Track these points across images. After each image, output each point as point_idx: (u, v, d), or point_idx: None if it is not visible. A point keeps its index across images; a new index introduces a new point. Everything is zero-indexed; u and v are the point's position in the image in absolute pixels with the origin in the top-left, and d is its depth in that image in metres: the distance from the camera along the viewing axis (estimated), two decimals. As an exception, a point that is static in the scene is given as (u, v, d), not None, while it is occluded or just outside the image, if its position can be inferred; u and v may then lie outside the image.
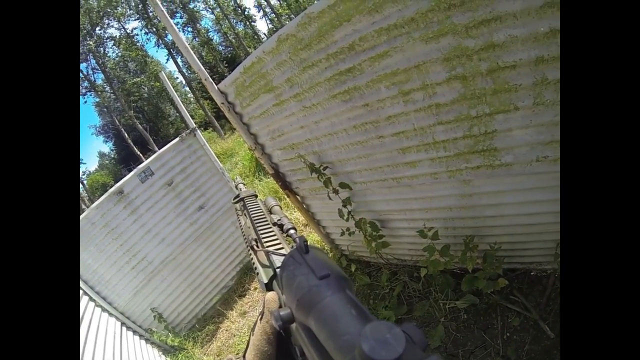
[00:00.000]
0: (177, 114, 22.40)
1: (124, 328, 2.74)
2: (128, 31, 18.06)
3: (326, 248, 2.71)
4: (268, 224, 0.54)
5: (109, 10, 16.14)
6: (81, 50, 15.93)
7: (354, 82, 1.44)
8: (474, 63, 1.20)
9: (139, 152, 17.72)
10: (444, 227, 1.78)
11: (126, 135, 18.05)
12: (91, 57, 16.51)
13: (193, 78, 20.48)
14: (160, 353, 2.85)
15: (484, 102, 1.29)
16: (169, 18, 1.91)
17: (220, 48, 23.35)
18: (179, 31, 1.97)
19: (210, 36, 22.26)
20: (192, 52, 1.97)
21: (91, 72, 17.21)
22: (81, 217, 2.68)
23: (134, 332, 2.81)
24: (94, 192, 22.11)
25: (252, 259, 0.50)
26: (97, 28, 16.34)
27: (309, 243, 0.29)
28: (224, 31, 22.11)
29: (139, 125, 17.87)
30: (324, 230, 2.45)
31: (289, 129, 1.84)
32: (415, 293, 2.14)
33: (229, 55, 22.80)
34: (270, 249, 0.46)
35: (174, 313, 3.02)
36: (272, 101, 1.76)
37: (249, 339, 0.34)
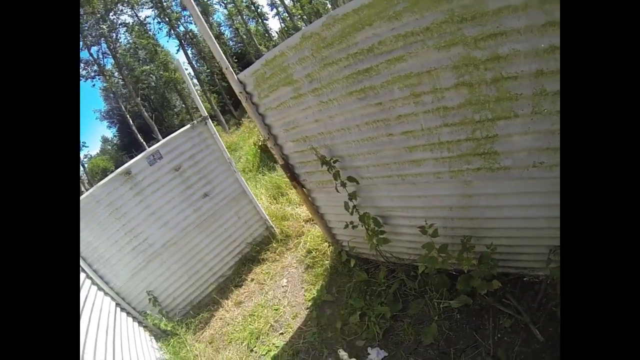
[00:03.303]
0: (183, 105, 23.10)
1: (118, 309, 2.83)
2: (141, 19, 18.69)
3: (327, 242, 2.86)
4: None
5: (123, -4, 16.65)
6: (93, 34, 16.48)
7: (370, 81, 1.61)
8: (480, 72, 1.38)
9: (142, 140, 18.11)
10: (443, 226, 1.93)
11: (131, 121, 18.41)
12: (103, 41, 16.99)
13: (201, 71, 21.28)
14: (152, 337, 2.94)
15: (487, 108, 1.46)
16: (194, 4, 2.07)
17: (231, 43, 24.22)
18: (197, 21, 2.11)
19: (222, 31, 23.15)
20: (214, 40, 2.15)
21: (101, 57, 17.72)
22: (86, 194, 2.80)
23: (128, 313, 2.91)
24: (94, 176, 22.72)
25: None
26: (111, 13, 16.80)
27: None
28: (236, 27, 23.02)
29: (145, 113, 18.28)
30: (327, 224, 2.60)
31: (304, 122, 2.00)
32: (411, 291, 2.27)
33: (239, 51, 23.69)
34: None
35: (169, 298, 3.12)
36: (290, 94, 1.93)
37: None
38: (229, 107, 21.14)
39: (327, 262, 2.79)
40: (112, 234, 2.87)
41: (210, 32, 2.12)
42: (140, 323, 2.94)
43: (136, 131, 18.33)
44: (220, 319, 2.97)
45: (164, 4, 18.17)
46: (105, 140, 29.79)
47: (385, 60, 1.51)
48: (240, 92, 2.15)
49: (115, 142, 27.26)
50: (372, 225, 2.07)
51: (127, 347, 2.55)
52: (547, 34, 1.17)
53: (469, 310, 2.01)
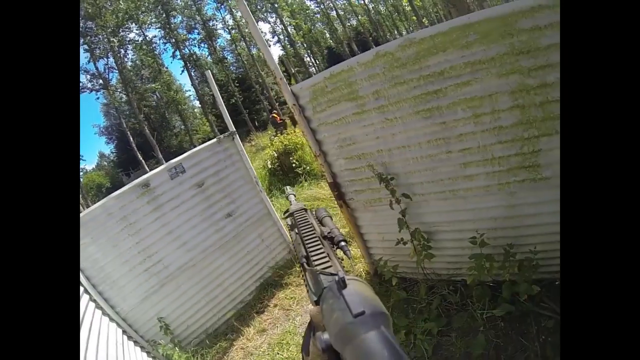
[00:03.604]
0: (183, 126, 24.42)
1: (125, 337, 2.55)
2: (148, 38, 19.94)
3: (361, 264, 2.91)
4: (317, 241, 0.58)
5: (134, 14, 17.35)
6: (101, 48, 17.39)
7: (437, 102, 1.92)
8: (531, 96, 1.75)
9: (141, 158, 18.31)
10: (487, 237, 2.18)
11: (131, 139, 18.56)
12: (110, 55, 17.15)
13: (204, 93, 22.53)
14: None
15: (534, 127, 1.82)
16: (249, 11, 2.25)
17: (232, 68, 26.34)
18: (252, 28, 2.28)
19: (225, 55, 25.31)
20: (268, 48, 2.34)
21: (107, 71, 17.95)
22: (97, 205, 2.64)
23: (135, 342, 2.62)
24: (88, 192, 22.59)
25: (303, 276, 0.55)
26: (121, 29, 17.36)
27: (353, 273, 0.44)
28: (239, 52, 25.11)
29: (147, 131, 18.63)
30: (366, 244, 2.69)
31: (363, 139, 2.21)
32: (452, 305, 2.40)
33: (240, 76, 25.69)
34: (319, 267, 0.50)
35: (183, 325, 2.88)
36: (352, 110, 2.16)
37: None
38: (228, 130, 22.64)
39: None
40: (123, 252, 2.68)
41: (264, 40, 2.32)
42: (148, 353, 2.61)
43: (136, 149, 18.49)
44: (242, 348, 2.77)
45: (171, 25, 19.22)
46: (102, 155, 30.67)
47: (453, 83, 1.83)
48: (294, 105, 2.31)
49: (112, 158, 28.20)
50: (422, 240, 2.23)
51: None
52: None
53: (512, 317, 2.18)
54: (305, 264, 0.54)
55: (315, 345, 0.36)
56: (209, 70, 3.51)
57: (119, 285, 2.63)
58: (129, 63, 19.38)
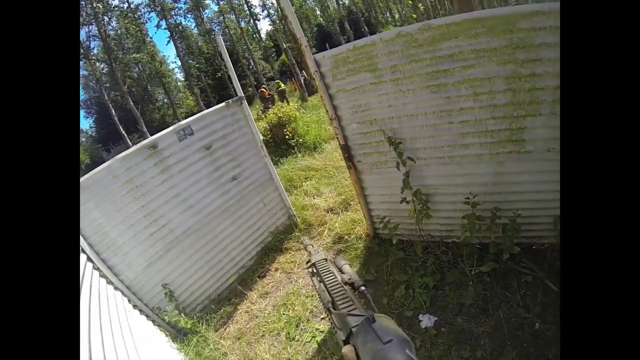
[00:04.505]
0: (166, 100, 24.77)
1: (130, 305, 2.77)
2: (132, 6, 19.87)
3: (361, 226, 3.45)
4: (341, 287, 0.70)
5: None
6: (84, 15, 17.17)
7: (445, 79, 2.48)
8: (522, 83, 2.37)
9: (123, 132, 18.33)
10: (477, 200, 2.80)
11: (113, 112, 18.39)
12: (94, 22, 16.37)
13: (190, 65, 23.10)
14: (169, 339, 2.88)
15: (522, 107, 2.44)
16: None
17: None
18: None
19: (212, 27, 25.46)
20: (295, 15, 2.77)
21: (89, 40, 17.08)
22: (102, 166, 2.78)
23: (141, 310, 2.83)
24: None
25: (330, 319, 0.67)
26: None
27: (376, 312, 0.47)
28: (227, 24, 25.39)
29: (132, 103, 18.55)
30: (368, 205, 3.24)
31: (376, 106, 2.74)
32: (445, 263, 3.03)
33: (227, 50, 25.98)
34: (344, 310, 0.61)
35: (187, 292, 3.15)
36: (370, 80, 2.67)
37: None
38: (214, 104, 22.89)
39: (361, 245, 3.37)
40: (128, 216, 2.85)
41: (292, 8, 2.75)
42: (154, 322, 2.88)
43: (118, 122, 18.45)
44: (246, 312, 3.16)
45: None
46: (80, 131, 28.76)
47: (460, 65, 2.41)
48: (315, 71, 2.78)
49: (90, 133, 28.55)
50: (423, 199, 2.81)
51: (143, 349, 2.44)
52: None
53: (497, 273, 2.82)
54: (331, 309, 0.66)
55: None
56: (219, 36, 3.80)
57: (124, 252, 2.77)
58: (112, 32, 19.16)
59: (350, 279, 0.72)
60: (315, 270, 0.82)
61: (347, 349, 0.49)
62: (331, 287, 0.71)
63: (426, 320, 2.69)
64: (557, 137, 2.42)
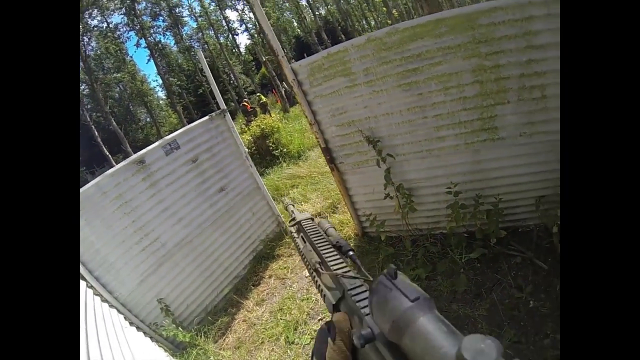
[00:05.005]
0: (149, 119, 24.93)
1: (127, 323, 2.76)
2: (111, 26, 20.05)
3: (349, 227, 3.51)
4: (330, 247, 0.64)
5: (97, -1, 17.22)
6: None
7: (415, 77, 2.60)
8: (487, 74, 2.50)
9: (107, 153, 18.35)
10: (459, 189, 2.90)
11: (96, 133, 18.38)
12: None
13: (172, 83, 23.43)
14: (168, 354, 2.87)
15: (490, 97, 2.57)
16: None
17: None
18: (257, 10, 2.82)
19: (191, 44, 25.99)
20: (271, 29, 2.87)
21: None
22: (91, 183, 2.81)
23: (137, 327, 2.83)
24: None
25: (316, 281, 0.60)
26: (86, 14, 16.84)
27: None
28: (206, 40, 25.94)
29: (115, 123, 18.61)
30: (354, 205, 3.31)
31: (353, 108, 2.84)
32: (435, 254, 3.10)
33: (207, 65, 26.87)
34: (339, 271, 0.55)
35: (183, 305, 3.16)
36: (345, 84, 2.78)
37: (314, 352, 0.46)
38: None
39: (351, 245, 3.41)
40: (118, 232, 2.87)
41: (267, 21, 2.86)
42: (152, 338, 2.87)
43: (102, 143, 18.49)
44: (244, 320, 3.17)
45: (137, 11, 19.11)
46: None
47: (428, 63, 2.53)
48: (293, 79, 2.88)
49: None
50: (406, 194, 2.90)
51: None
52: (527, 53, 2.36)
53: (486, 258, 2.90)
54: (319, 270, 0.59)
55: (342, 348, 0.42)
56: (200, 51, 3.90)
57: (116, 269, 2.77)
58: (91, 52, 19.27)
59: (337, 242, 0.65)
60: (300, 229, 0.77)
61: (340, 316, 0.45)
62: (320, 246, 0.65)
63: (421, 308, 2.73)
64: (527, 122, 2.55)
